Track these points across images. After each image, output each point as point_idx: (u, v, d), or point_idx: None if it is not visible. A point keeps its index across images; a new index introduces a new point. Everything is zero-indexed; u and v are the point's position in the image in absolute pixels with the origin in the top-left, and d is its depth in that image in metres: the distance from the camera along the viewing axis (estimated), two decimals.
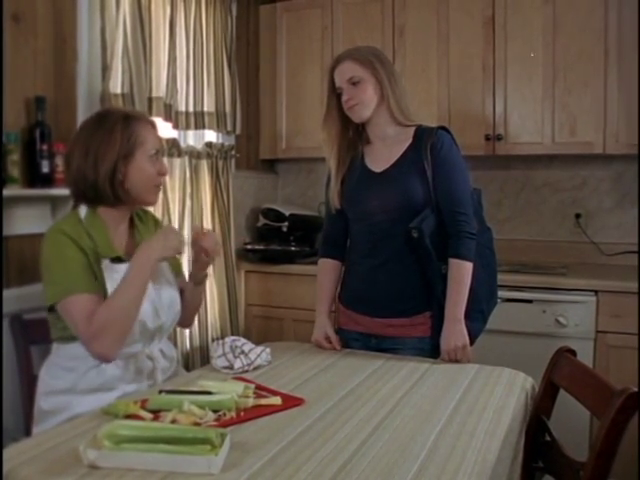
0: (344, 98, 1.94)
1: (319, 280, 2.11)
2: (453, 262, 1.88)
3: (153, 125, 1.73)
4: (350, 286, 2.05)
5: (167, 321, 1.73)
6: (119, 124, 1.63)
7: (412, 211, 1.88)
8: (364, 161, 2.00)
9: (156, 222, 1.89)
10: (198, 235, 1.81)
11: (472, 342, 1.91)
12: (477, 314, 1.94)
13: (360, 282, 2.00)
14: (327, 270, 2.10)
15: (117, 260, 1.64)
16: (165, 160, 2.41)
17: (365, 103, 1.92)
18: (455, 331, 1.86)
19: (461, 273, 1.87)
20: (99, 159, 1.60)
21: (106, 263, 1.62)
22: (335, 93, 1.98)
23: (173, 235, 1.67)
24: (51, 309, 1.61)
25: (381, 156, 1.97)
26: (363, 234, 1.99)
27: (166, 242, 1.64)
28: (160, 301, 1.70)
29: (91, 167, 1.60)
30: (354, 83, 1.92)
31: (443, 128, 1.98)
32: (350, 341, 2.03)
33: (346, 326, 2.06)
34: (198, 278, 1.88)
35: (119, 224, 1.71)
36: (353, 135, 2.03)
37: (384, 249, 1.93)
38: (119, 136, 1.62)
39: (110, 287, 1.60)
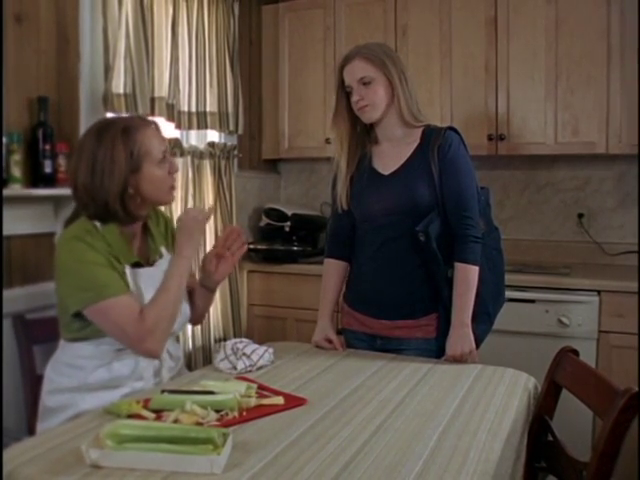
0: (354, 98, 1.90)
1: (323, 282, 2.09)
2: (459, 266, 1.87)
3: (156, 126, 1.68)
4: (355, 287, 2.04)
5: (177, 327, 1.73)
6: (119, 138, 1.57)
7: (418, 214, 1.86)
8: (372, 163, 1.98)
9: (167, 221, 1.87)
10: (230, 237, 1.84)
11: (478, 345, 1.89)
12: (483, 316, 1.93)
13: (366, 283, 1.99)
14: (332, 271, 2.07)
15: (137, 265, 1.65)
16: None
17: (376, 104, 1.89)
18: (462, 336, 1.85)
19: (467, 277, 1.86)
20: (106, 178, 1.56)
21: (128, 270, 1.62)
22: (344, 91, 1.94)
23: (196, 225, 1.70)
24: (76, 314, 1.58)
25: (389, 158, 1.95)
26: (369, 235, 1.97)
27: (192, 234, 1.68)
28: None
29: (98, 186, 1.56)
30: (365, 83, 1.88)
31: (452, 129, 1.94)
32: (355, 341, 2.02)
33: (351, 326, 2.04)
34: (213, 286, 1.88)
35: (134, 229, 1.70)
36: (361, 133, 2.00)
37: (390, 251, 1.92)
38: (122, 152, 1.56)
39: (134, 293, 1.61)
